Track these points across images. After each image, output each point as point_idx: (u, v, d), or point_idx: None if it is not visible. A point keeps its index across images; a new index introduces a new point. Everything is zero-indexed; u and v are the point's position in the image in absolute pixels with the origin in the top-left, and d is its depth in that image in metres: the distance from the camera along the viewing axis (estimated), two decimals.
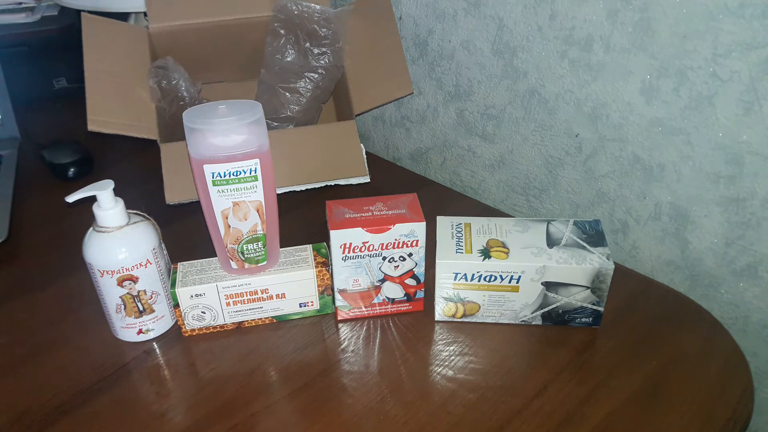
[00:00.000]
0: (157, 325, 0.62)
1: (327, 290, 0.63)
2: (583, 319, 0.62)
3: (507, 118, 0.79)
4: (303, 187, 0.79)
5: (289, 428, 0.53)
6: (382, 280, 0.62)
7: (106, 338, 0.63)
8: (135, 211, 0.60)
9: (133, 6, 0.90)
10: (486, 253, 0.59)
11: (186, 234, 0.77)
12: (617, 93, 0.67)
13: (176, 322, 0.64)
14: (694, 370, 0.58)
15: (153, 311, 0.61)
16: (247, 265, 0.61)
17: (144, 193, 0.78)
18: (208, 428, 0.54)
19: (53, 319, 0.66)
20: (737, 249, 0.64)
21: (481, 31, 0.77)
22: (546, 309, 0.61)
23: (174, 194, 0.74)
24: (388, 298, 0.64)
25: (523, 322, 0.63)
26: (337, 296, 0.63)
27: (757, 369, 0.67)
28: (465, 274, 0.60)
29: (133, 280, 0.58)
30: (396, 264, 0.61)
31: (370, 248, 0.60)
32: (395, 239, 0.60)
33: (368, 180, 0.80)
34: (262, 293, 0.62)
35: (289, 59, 0.83)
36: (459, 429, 0.53)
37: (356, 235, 0.59)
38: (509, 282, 0.59)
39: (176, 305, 0.60)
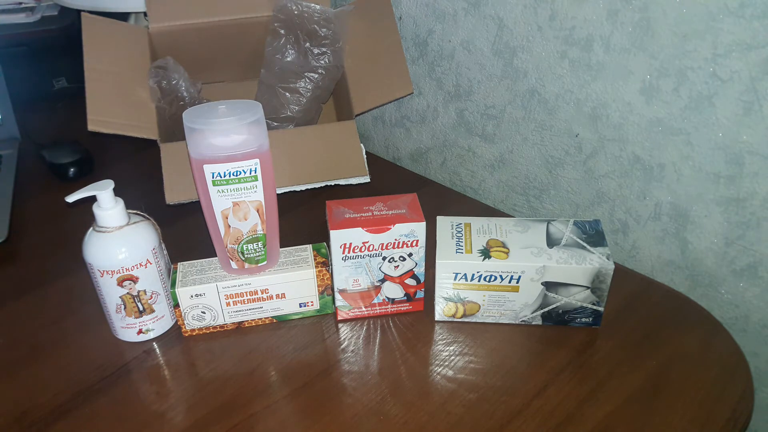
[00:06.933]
0: (157, 325, 0.62)
1: (327, 290, 0.63)
2: (583, 319, 0.62)
3: (507, 118, 0.79)
4: (303, 187, 0.79)
5: (289, 428, 0.53)
6: (382, 280, 0.62)
7: (106, 338, 0.63)
8: (135, 211, 0.60)
9: (133, 6, 0.90)
10: (486, 253, 0.59)
11: (186, 234, 0.77)
12: (617, 93, 0.67)
13: (176, 322, 0.64)
14: (694, 370, 0.58)
15: (153, 311, 0.61)
16: (247, 265, 0.61)
17: (144, 193, 0.78)
18: (208, 428, 0.54)
19: (53, 319, 0.66)
20: (737, 249, 0.64)
21: (481, 31, 0.77)
22: (546, 309, 0.61)
23: (174, 194, 0.74)
24: (388, 298, 0.64)
25: (523, 322, 0.63)
26: (337, 296, 0.63)
27: (757, 369, 0.67)
28: (465, 274, 0.60)
29: (133, 280, 0.58)
30: (396, 264, 0.61)
31: (370, 248, 0.60)
32: (395, 239, 0.60)
33: (368, 180, 0.80)
34: (262, 293, 0.62)
35: (289, 59, 0.83)
36: (459, 429, 0.53)
37: (356, 235, 0.59)
38: (509, 282, 0.59)
39: (176, 305, 0.60)
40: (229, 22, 0.84)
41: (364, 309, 0.64)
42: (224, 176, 0.55)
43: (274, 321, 0.64)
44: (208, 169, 0.54)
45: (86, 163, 0.89)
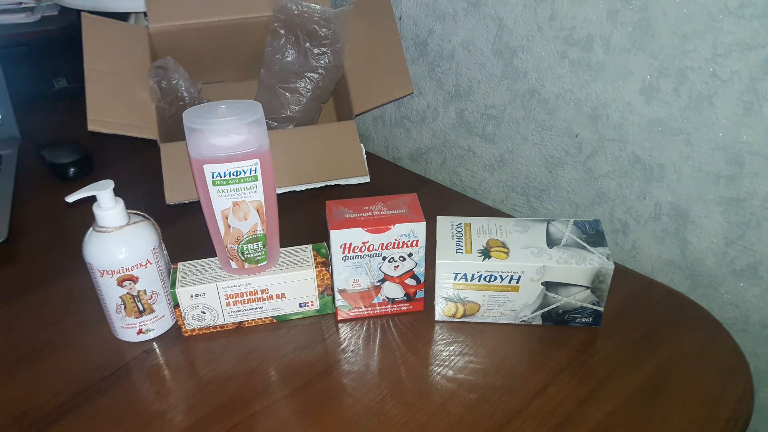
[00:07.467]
0: (157, 325, 0.62)
1: (327, 290, 0.63)
2: (583, 319, 0.62)
3: (507, 118, 0.79)
4: (303, 187, 0.79)
5: (289, 428, 0.53)
6: (382, 280, 0.62)
7: (106, 338, 0.63)
8: (135, 211, 0.60)
9: (133, 6, 0.90)
10: (486, 253, 0.59)
11: (186, 234, 0.77)
12: (617, 93, 0.67)
13: (176, 322, 0.64)
14: (694, 370, 0.58)
15: (153, 311, 0.61)
16: (247, 265, 0.61)
17: (144, 193, 0.78)
18: (208, 428, 0.54)
19: (53, 319, 0.66)
20: (737, 249, 0.64)
21: (481, 31, 0.77)
22: (546, 309, 0.61)
23: (174, 194, 0.74)
24: (388, 298, 0.64)
25: (523, 322, 0.63)
26: (337, 296, 0.63)
27: (757, 369, 0.67)
28: (465, 274, 0.60)
29: (133, 280, 0.58)
30: (396, 264, 0.61)
31: (370, 248, 0.60)
32: (395, 239, 0.60)
33: (368, 180, 0.80)
34: (262, 293, 0.62)
35: (289, 59, 0.83)
36: (459, 429, 0.53)
37: (356, 235, 0.59)
38: (509, 282, 0.59)
39: (176, 305, 0.60)
40: (229, 22, 0.84)
41: (364, 309, 0.64)
42: (224, 176, 0.55)
43: (274, 321, 0.64)
44: (208, 169, 0.55)
45: (86, 163, 0.89)
